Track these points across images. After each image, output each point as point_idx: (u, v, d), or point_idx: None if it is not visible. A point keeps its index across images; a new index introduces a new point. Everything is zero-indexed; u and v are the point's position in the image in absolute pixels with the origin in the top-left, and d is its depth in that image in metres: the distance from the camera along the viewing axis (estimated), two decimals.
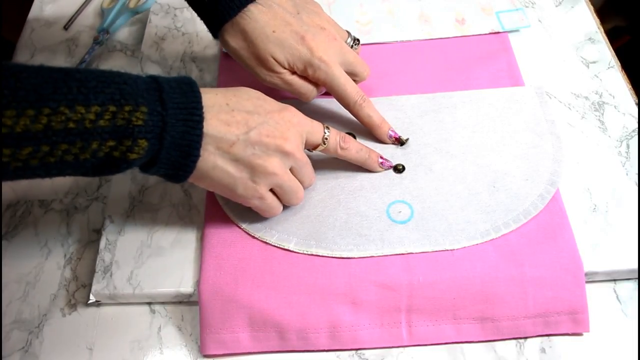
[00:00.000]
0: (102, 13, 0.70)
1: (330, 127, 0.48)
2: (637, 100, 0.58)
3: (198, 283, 0.46)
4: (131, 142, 0.37)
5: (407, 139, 0.53)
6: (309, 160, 0.47)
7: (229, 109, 0.43)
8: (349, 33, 0.55)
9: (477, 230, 0.47)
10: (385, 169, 0.52)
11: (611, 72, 0.60)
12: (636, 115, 0.57)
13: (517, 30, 0.63)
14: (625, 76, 0.60)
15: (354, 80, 0.54)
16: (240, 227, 0.49)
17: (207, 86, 0.60)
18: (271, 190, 0.46)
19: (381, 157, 0.51)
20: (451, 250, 0.47)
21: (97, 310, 0.48)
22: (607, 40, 0.63)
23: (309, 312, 0.45)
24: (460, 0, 0.66)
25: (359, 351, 0.46)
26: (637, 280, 0.48)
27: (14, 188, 0.56)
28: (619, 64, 0.61)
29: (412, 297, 0.45)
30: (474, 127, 0.54)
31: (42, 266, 0.51)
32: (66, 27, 0.70)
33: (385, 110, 0.55)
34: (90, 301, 0.48)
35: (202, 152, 0.41)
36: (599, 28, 0.64)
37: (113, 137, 0.37)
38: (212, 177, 0.43)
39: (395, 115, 0.55)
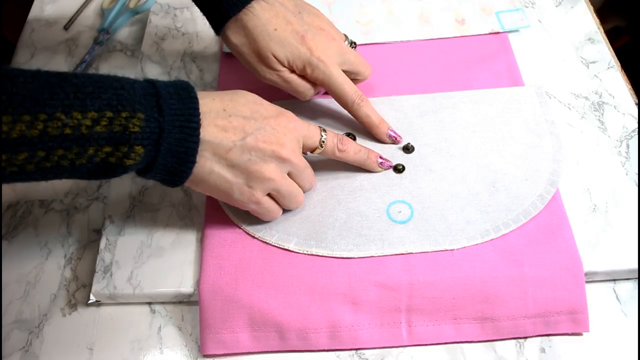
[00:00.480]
0: (102, 13, 0.70)
1: (327, 130, 0.48)
2: (636, 100, 0.58)
3: (198, 283, 0.46)
4: (127, 148, 0.37)
5: (412, 146, 0.53)
6: (307, 164, 0.47)
7: (226, 115, 0.43)
8: (346, 36, 0.55)
9: (477, 230, 0.47)
10: (385, 169, 0.52)
11: (611, 72, 0.60)
12: (636, 115, 0.57)
13: (517, 31, 0.63)
14: (625, 76, 0.60)
15: (356, 80, 0.54)
16: (240, 228, 0.49)
17: (207, 86, 0.61)
18: (270, 194, 0.46)
19: (381, 157, 0.51)
20: (451, 250, 0.47)
21: (97, 310, 0.48)
22: (607, 40, 0.64)
23: (309, 312, 0.45)
24: (460, 0, 0.66)
25: (359, 351, 0.46)
26: (637, 280, 0.48)
27: (14, 188, 0.56)
28: (619, 64, 0.61)
29: (412, 297, 0.45)
30: (474, 127, 0.54)
31: (43, 266, 0.51)
32: (66, 27, 0.70)
33: (385, 111, 0.55)
34: (90, 301, 0.48)
35: (198, 158, 0.41)
36: (598, 28, 0.64)
37: (109, 144, 0.37)
38: (209, 182, 0.43)
39: (395, 115, 0.55)
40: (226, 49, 0.62)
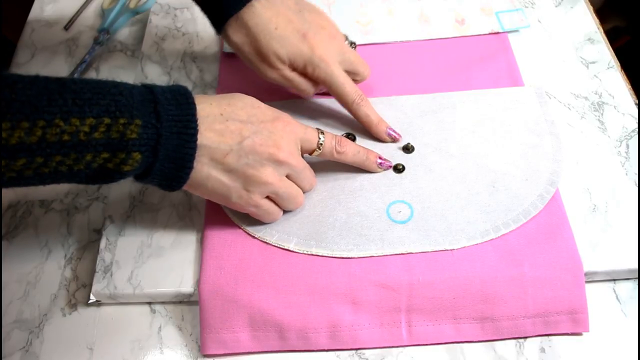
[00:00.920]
0: (103, 13, 0.70)
1: (325, 132, 0.48)
2: (636, 101, 0.58)
3: (198, 283, 0.46)
4: (125, 154, 0.38)
5: (412, 146, 0.53)
6: (306, 165, 0.47)
7: (223, 119, 0.43)
8: (346, 37, 0.55)
9: (477, 230, 0.47)
10: (385, 169, 0.52)
11: (611, 72, 0.60)
12: (636, 116, 0.57)
13: (516, 31, 0.63)
14: (625, 76, 0.60)
15: (355, 80, 0.54)
16: (240, 228, 0.49)
17: (207, 86, 0.61)
18: (269, 196, 0.46)
19: (380, 158, 0.51)
20: (451, 250, 0.47)
21: (98, 310, 0.48)
22: (607, 40, 0.64)
23: (309, 312, 0.45)
24: (460, 0, 0.66)
25: (359, 351, 0.46)
26: (636, 280, 0.48)
27: (14, 189, 0.56)
28: (619, 64, 0.61)
29: (412, 297, 0.45)
30: (473, 127, 0.54)
31: (43, 266, 0.51)
32: (66, 28, 0.70)
33: (385, 111, 0.55)
34: (90, 301, 0.48)
35: (195, 163, 0.41)
36: (598, 28, 0.65)
37: (107, 150, 0.37)
38: (206, 187, 0.43)
39: (395, 115, 0.55)
40: (226, 49, 0.62)
